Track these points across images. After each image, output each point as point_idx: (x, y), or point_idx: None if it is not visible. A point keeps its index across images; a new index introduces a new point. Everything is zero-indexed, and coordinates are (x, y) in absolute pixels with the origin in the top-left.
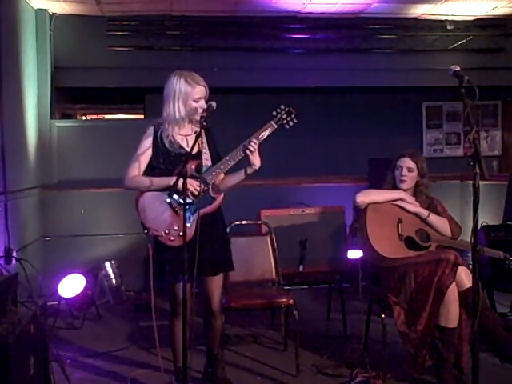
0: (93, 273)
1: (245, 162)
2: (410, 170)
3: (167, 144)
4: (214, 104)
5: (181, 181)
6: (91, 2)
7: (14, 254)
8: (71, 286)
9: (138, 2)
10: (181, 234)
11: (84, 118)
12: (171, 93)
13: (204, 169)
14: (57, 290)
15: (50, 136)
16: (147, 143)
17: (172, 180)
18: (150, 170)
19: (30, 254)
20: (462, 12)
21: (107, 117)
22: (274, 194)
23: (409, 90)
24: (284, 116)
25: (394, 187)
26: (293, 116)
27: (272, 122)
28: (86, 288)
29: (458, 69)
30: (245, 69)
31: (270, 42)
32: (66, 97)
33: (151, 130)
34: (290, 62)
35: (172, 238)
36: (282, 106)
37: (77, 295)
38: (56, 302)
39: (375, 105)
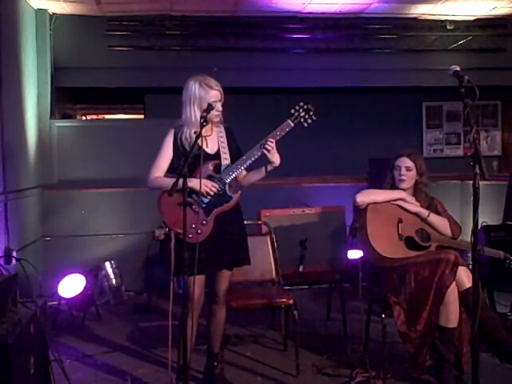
0: (93, 273)
1: (264, 159)
2: (408, 169)
3: (187, 146)
4: (213, 104)
5: (195, 181)
6: (91, 2)
7: (14, 254)
8: (71, 285)
9: (137, 2)
10: (198, 231)
11: (84, 117)
12: (188, 97)
13: (223, 168)
14: (57, 290)
15: (50, 136)
16: (168, 145)
17: (190, 181)
18: (172, 171)
19: (30, 254)
20: (462, 12)
21: (107, 117)
22: (274, 194)
23: (409, 90)
24: (302, 114)
25: (394, 187)
26: (311, 113)
27: (289, 121)
28: (85, 288)
29: (458, 69)
30: (245, 69)
31: (270, 41)
32: (66, 97)
33: (172, 132)
34: (290, 62)
35: (190, 236)
36: (301, 103)
37: (77, 295)
38: (56, 302)
39: (375, 105)
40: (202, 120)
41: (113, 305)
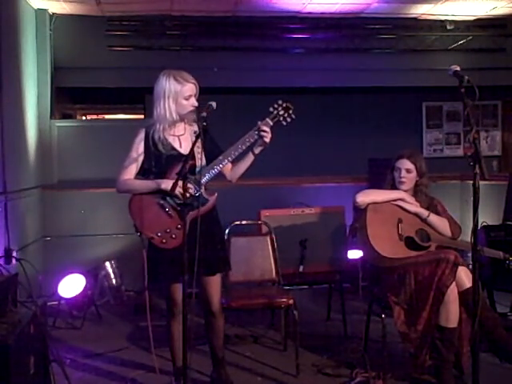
0: (93, 273)
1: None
2: (408, 171)
3: (159, 145)
4: (213, 104)
5: (170, 183)
6: (91, 2)
7: (14, 253)
8: (71, 285)
9: (137, 2)
10: (173, 236)
11: (84, 117)
12: (161, 92)
13: (198, 169)
14: (57, 290)
15: (50, 136)
16: (139, 146)
17: (163, 182)
18: (143, 173)
19: (30, 254)
20: (462, 12)
21: (107, 117)
22: (274, 194)
23: (409, 90)
24: (281, 112)
25: (394, 188)
26: (291, 112)
27: (268, 120)
28: (85, 288)
29: (458, 69)
30: (245, 69)
31: (270, 41)
32: (66, 97)
33: (143, 132)
34: (290, 61)
35: (164, 241)
36: (280, 101)
37: (77, 295)
38: (56, 302)
39: (375, 105)
40: (203, 120)
41: (113, 305)
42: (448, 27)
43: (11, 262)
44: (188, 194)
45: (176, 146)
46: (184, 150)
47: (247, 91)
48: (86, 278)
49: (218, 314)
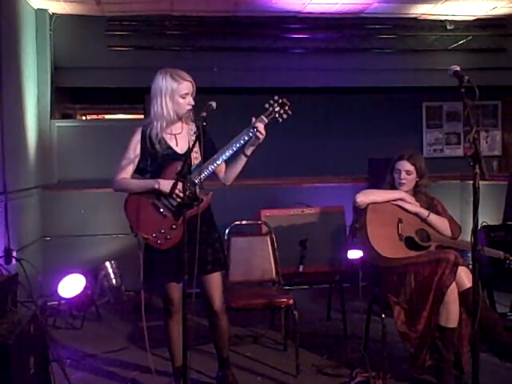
0: (93, 273)
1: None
2: (408, 172)
3: (156, 144)
4: (213, 104)
5: (167, 183)
6: (91, 2)
7: (14, 254)
8: (71, 285)
9: (137, 2)
10: (167, 236)
11: (84, 117)
12: (158, 90)
13: (193, 168)
14: (57, 290)
15: (50, 136)
16: (135, 145)
17: (158, 183)
18: (139, 172)
19: (30, 254)
20: (462, 12)
21: (107, 117)
22: (274, 194)
23: (409, 90)
24: (277, 109)
25: (393, 188)
26: (287, 108)
27: (262, 117)
28: (85, 288)
29: (458, 69)
30: (245, 69)
31: (270, 41)
32: (66, 97)
33: (139, 130)
34: (289, 61)
35: (159, 242)
36: (276, 97)
37: (77, 295)
38: (56, 302)
39: (375, 105)
40: (202, 120)
41: (113, 305)
42: (448, 27)
43: (11, 261)
44: (182, 194)
45: (172, 144)
46: (180, 148)
47: (247, 91)
48: (86, 278)
49: (221, 313)
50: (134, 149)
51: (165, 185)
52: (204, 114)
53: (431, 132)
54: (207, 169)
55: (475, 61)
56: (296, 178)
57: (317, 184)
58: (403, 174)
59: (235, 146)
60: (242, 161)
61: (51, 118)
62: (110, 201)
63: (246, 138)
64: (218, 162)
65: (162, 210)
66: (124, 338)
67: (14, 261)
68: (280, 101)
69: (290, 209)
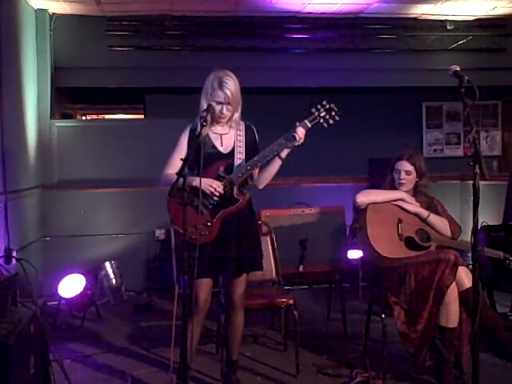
0: (93, 273)
1: None
2: (407, 173)
3: (201, 142)
4: (214, 104)
5: (207, 181)
6: (91, 2)
7: (14, 253)
8: (71, 285)
9: (137, 2)
10: (202, 233)
11: (84, 117)
12: (203, 89)
13: (235, 168)
14: (57, 290)
15: (50, 136)
16: (183, 142)
17: (194, 180)
18: (188, 169)
19: (30, 254)
20: (462, 12)
21: (107, 117)
22: (274, 194)
23: (409, 90)
24: (323, 114)
25: (393, 188)
26: (333, 114)
27: (306, 121)
28: (85, 288)
29: (458, 69)
30: (245, 69)
31: (270, 41)
32: (66, 97)
33: (188, 128)
34: (290, 61)
35: (194, 237)
36: (324, 102)
37: (77, 295)
38: (56, 302)
39: (375, 105)
40: (202, 120)
41: (113, 305)
42: (448, 27)
43: (11, 261)
44: (218, 194)
45: (217, 144)
46: (224, 148)
47: (247, 91)
48: (86, 278)
49: (238, 307)
50: (182, 146)
51: (204, 183)
52: (204, 114)
53: (431, 132)
54: (246, 170)
55: (475, 61)
56: (296, 178)
57: (317, 184)
58: (403, 174)
59: (276, 151)
60: (276, 163)
61: (51, 118)
62: (110, 201)
63: (288, 143)
64: (257, 165)
65: (199, 207)
66: (124, 338)
67: (14, 261)
68: (328, 106)
69: (290, 209)
